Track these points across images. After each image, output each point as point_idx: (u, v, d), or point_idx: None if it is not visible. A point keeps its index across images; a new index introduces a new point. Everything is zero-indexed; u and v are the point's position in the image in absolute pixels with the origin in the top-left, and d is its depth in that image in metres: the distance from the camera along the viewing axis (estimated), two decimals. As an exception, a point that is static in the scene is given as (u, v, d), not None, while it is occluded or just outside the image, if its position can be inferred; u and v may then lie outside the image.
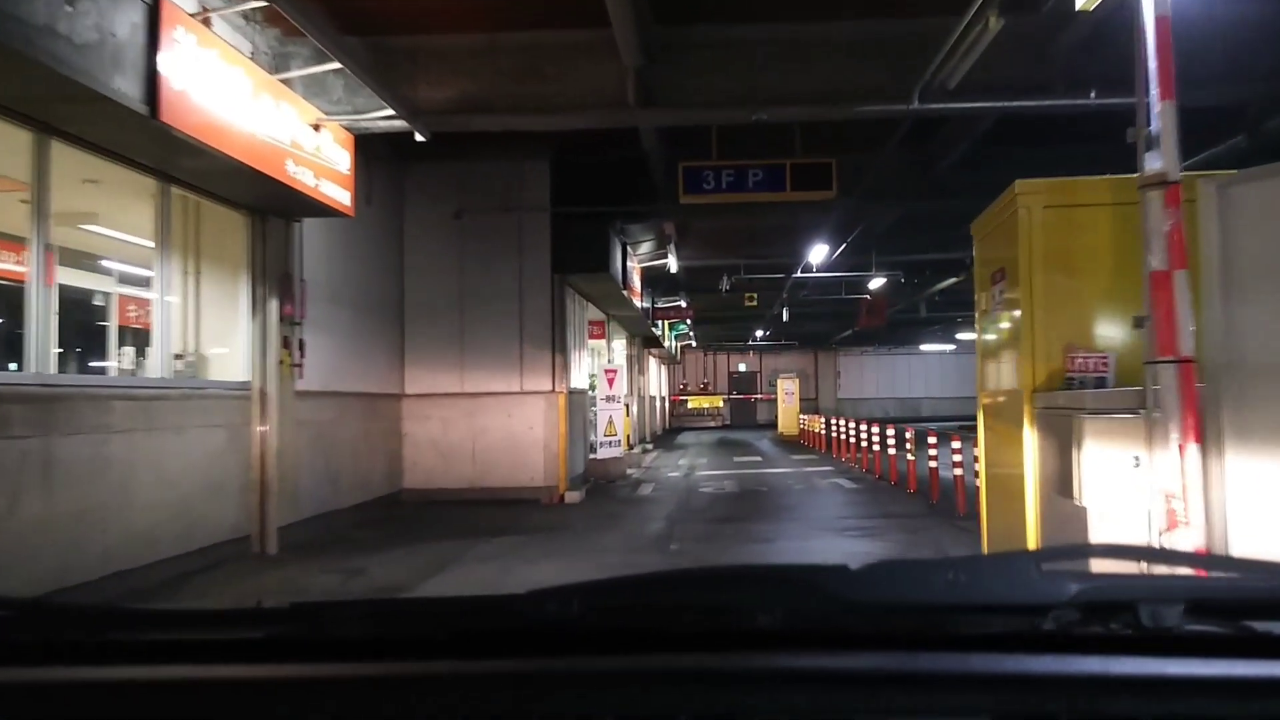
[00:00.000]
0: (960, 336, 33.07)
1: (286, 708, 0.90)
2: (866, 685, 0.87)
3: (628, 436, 18.72)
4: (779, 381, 27.79)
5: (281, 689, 0.92)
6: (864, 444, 15.43)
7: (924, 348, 39.09)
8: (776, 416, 28.75)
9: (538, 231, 12.29)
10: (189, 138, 5.98)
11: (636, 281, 16.51)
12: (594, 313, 17.22)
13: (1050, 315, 4.65)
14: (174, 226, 7.40)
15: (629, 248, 14.73)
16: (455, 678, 0.91)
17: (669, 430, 36.23)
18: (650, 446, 23.80)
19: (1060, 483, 4.21)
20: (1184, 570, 1.38)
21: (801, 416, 25.23)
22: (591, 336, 18.51)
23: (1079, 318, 4.69)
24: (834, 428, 18.35)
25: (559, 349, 12.48)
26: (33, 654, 0.99)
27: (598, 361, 18.04)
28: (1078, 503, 3.97)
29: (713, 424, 39.24)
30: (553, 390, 12.36)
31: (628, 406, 18.68)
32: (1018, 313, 4.81)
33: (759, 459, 19.26)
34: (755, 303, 19.72)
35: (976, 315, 5.93)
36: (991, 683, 0.87)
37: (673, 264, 16.92)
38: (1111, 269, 4.61)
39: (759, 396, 40.88)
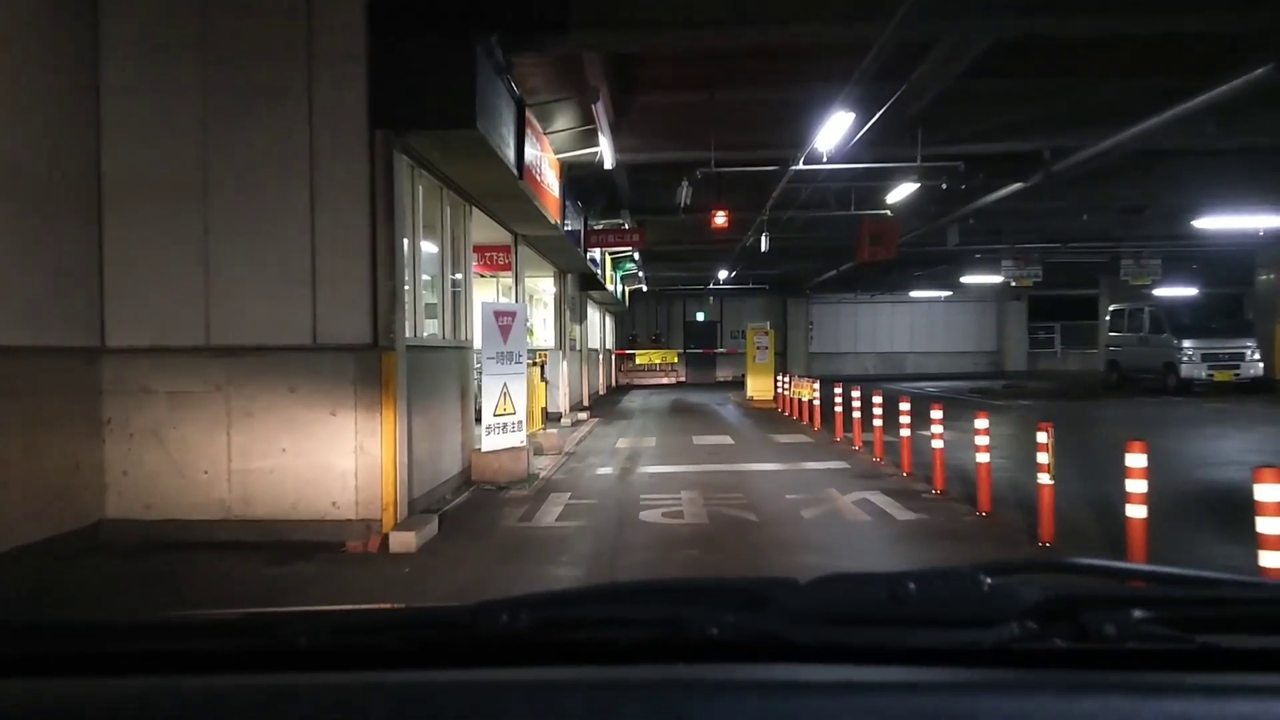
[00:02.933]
0: (966, 280, 27.47)
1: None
2: (813, 696, 0.86)
3: (543, 410, 13.20)
4: (750, 333, 22.19)
5: (234, 701, 0.90)
6: (878, 422, 10.12)
7: (914, 294, 33.70)
8: (744, 375, 23.27)
9: (340, 41, 6.61)
10: None
11: (549, 176, 10.82)
12: (493, 231, 11.51)
13: None
14: None
15: (529, 115, 9.06)
16: (408, 687, 0.90)
17: (615, 389, 30.96)
18: (585, 415, 18.27)
19: None
20: (1130, 584, 1.19)
21: (781, 378, 19.72)
22: (490, 266, 12.83)
23: None
24: (838, 398, 12.93)
25: (387, 270, 6.87)
26: None
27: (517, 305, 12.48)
28: None
29: (666, 381, 34.05)
30: (374, 344, 6.80)
31: (542, 367, 13.10)
32: None
33: (728, 440, 13.82)
34: (726, 223, 14.09)
35: None
36: (935, 696, 0.85)
37: (607, 156, 11.29)
38: None
39: (720, 350, 35.65)
